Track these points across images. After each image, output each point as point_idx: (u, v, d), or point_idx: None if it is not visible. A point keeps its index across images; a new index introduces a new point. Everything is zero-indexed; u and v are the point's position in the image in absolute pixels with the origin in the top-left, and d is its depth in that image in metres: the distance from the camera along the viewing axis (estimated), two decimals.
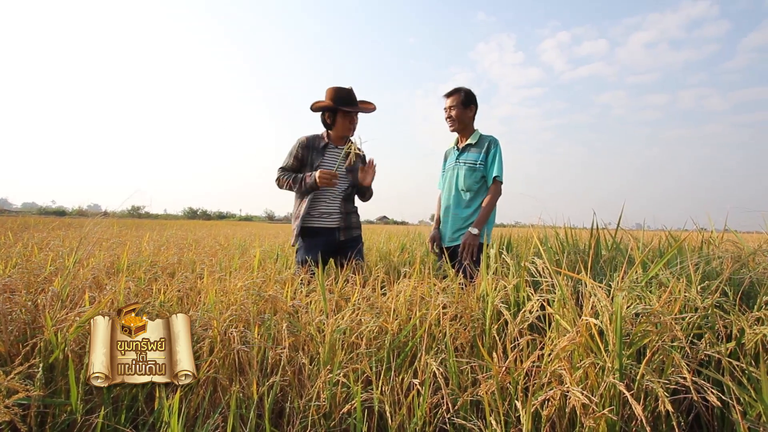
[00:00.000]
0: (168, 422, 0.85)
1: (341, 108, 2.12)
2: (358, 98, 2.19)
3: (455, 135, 2.37)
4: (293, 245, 2.20)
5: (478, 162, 2.20)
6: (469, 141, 2.26)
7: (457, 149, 2.31)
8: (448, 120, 2.28)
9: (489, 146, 2.21)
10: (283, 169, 2.23)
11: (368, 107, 2.24)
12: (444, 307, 1.29)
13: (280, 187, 2.21)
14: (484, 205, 2.14)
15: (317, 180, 2.01)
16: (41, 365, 0.93)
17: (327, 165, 2.17)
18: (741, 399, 0.88)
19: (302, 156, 2.19)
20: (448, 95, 2.26)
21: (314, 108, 2.19)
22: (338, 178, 2.05)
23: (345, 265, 1.91)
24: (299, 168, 2.20)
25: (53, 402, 0.94)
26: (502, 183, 2.18)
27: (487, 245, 1.81)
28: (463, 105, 2.23)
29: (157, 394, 0.95)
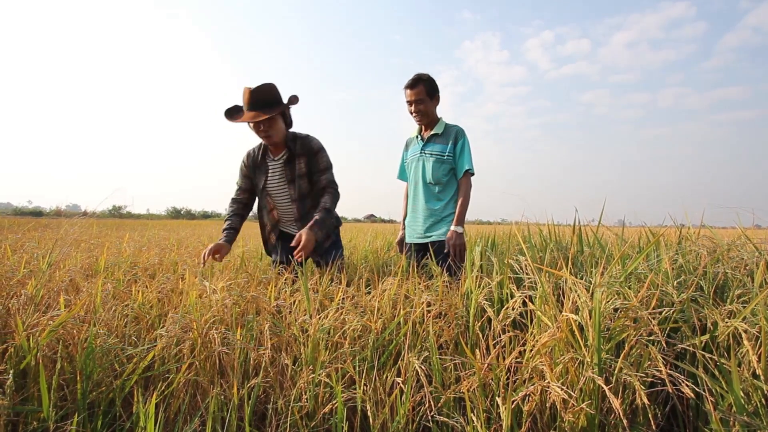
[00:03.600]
0: (145, 427, 0.83)
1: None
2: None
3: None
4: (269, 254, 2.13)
5: (446, 153, 2.09)
6: (434, 131, 2.14)
7: (421, 139, 2.19)
8: (415, 114, 2.12)
9: (456, 137, 2.10)
10: (235, 192, 2.07)
11: (250, 117, 1.81)
12: (428, 305, 1.29)
13: None
14: (460, 201, 2.05)
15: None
16: (11, 372, 0.90)
17: (271, 183, 1.99)
18: (713, 390, 0.91)
19: (249, 174, 2.05)
20: (411, 86, 2.06)
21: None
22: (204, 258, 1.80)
23: (321, 266, 1.87)
24: (252, 188, 2.06)
25: (24, 409, 0.91)
26: (473, 175, 2.09)
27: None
28: (430, 96, 2.09)
29: (135, 399, 0.93)
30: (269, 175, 1.99)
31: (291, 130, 2.01)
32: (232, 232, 1.99)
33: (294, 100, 1.94)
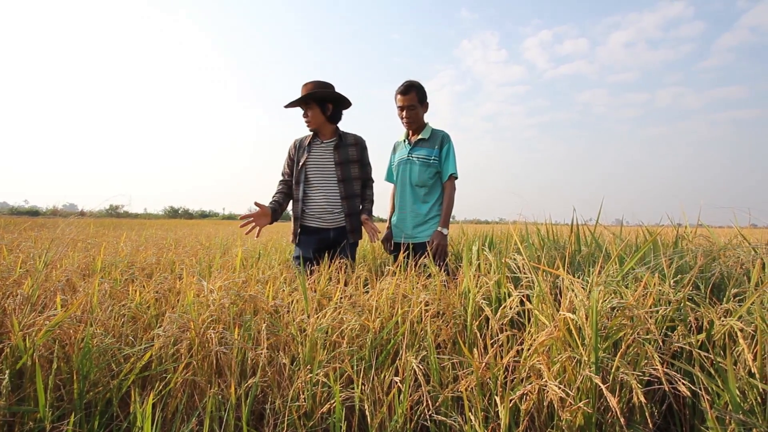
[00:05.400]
0: (142, 427, 0.82)
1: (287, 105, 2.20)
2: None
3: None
4: (293, 242, 2.23)
5: (432, 157, 2.18)
6: (421, 136, 2.23)
7: (408, 143, 2.28)
8: (405, 119, 2.21)
9: (442, 142, 2.19)
10: (282, 175, 2.31)
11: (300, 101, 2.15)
12: (426, 305, 1.29)
13: None
14: (445, 204, 2.15)
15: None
16: (8, 372, 0.90)
17: (313, 160, 2.20)
18: (710, 389, 0.91)
19: (293, 156, 2.27)
20: (404, 93, 2.16)
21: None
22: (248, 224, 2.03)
23: (330, 263, 1.88)
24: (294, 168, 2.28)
25: (20, 410, 0.90)
26: (457, 178, 2.19)
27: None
28: (420, 103, 2.19)
29: (132, 399, 0.93)
30: (312, 152, 2.21)
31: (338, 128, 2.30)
32: (276, 204, 2.21)
33: (340, 98, 2.17)
